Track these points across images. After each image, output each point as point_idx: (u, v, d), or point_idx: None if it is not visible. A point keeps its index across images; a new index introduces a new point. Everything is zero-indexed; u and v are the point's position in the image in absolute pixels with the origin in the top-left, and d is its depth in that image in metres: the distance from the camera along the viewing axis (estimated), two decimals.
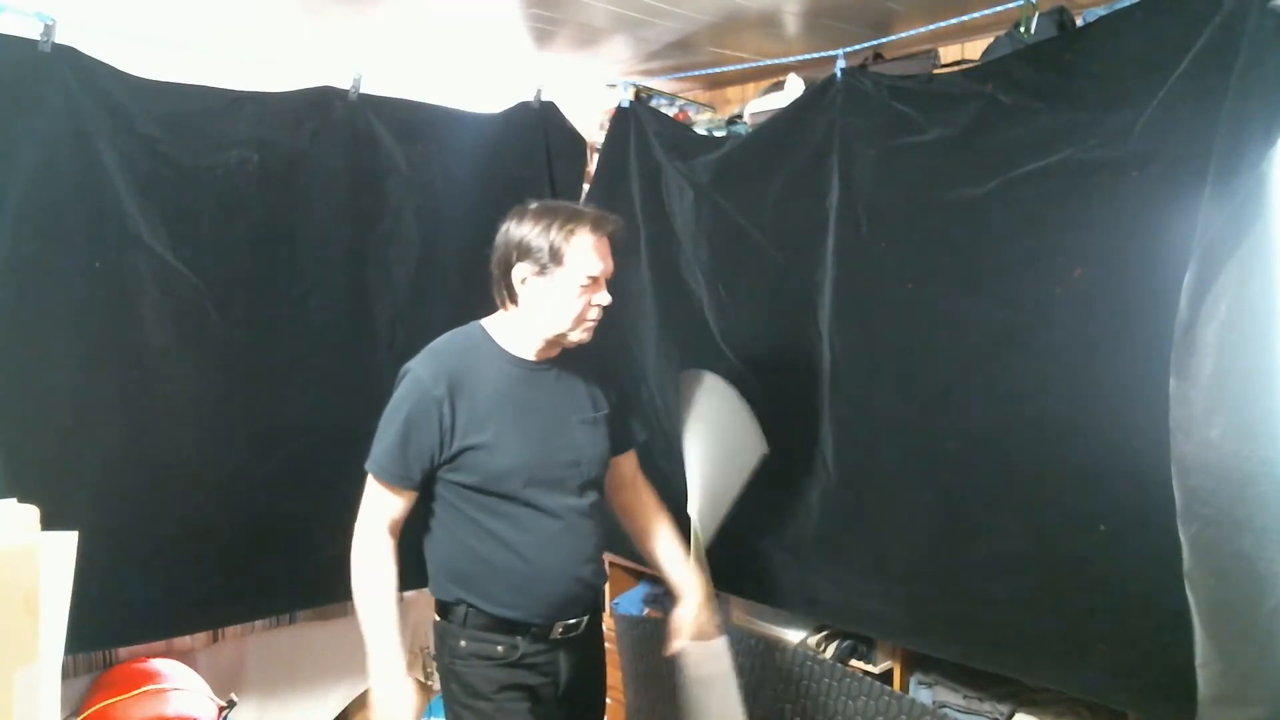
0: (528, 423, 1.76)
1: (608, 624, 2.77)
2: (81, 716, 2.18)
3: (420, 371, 1.74)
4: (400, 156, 2.53)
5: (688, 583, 1.93)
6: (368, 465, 1.75)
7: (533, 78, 2.79)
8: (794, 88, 2.56)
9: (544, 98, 2.81)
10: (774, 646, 2.46)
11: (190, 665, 2.48)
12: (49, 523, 1.11)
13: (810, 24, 2.40)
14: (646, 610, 3.00)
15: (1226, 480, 1.53)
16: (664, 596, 3.00)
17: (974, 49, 2.39)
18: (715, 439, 2.09)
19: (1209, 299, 1.54)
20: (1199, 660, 1.59)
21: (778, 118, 2.45)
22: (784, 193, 2.38)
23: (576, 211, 1.74)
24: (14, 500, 1.10)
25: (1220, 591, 1.56)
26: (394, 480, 1.73)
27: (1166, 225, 1.69)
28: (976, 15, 2.11)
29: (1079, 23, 2.02)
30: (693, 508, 2.04)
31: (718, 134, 2.72)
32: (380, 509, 1.75)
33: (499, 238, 1.75)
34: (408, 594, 2.78)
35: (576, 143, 2.90)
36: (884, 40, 2.32)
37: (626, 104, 2.77)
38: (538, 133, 2.80)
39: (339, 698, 2.87)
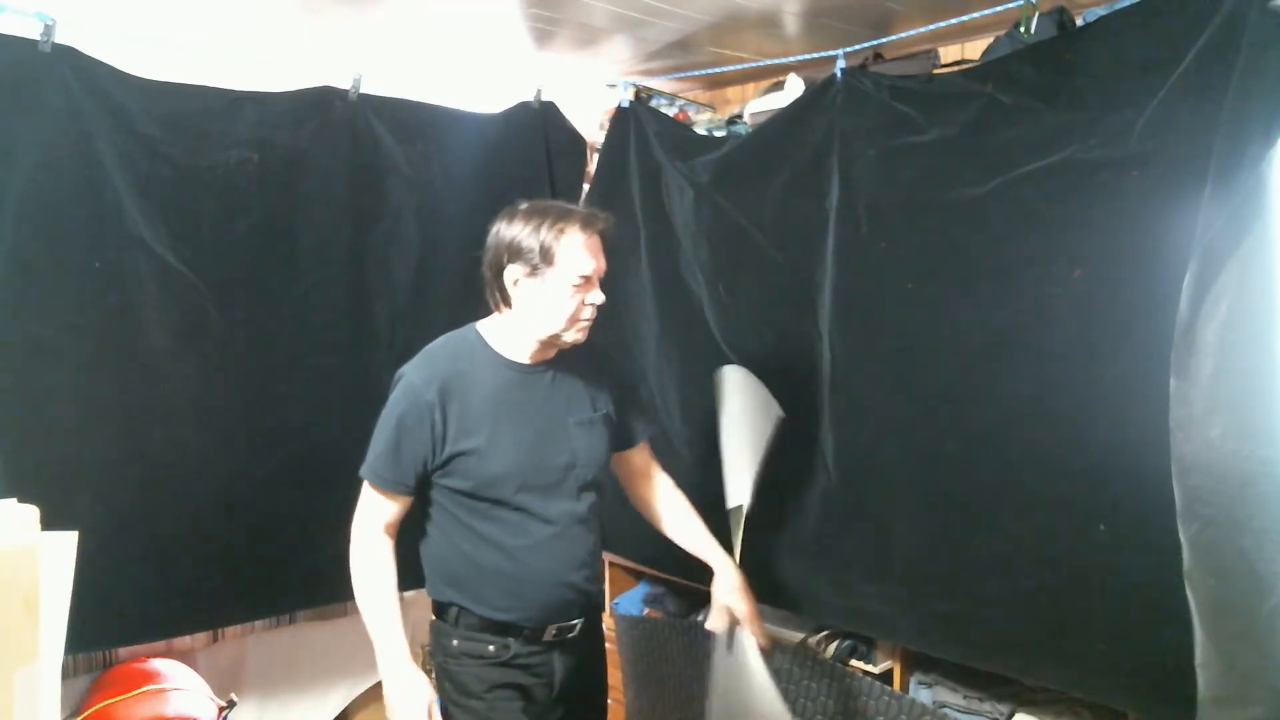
0: (521, 427, 1.75)
1: (607, 624, 2.77)
2: (81, 716, 2.18)
3: (413, 376, 1.73)
4: (400, 156, 2.53)
5: (720, 562, 1.92)
6: (362, 471, 1.75)
7: (533, 78, 2.79)
8: (794, 88, 2.56)
9: (544, 98, 2.81)
10: (774, 646, 2.46)
11: (190, 665, 2.48)
12: (49, 523, 1.12)
13: (810, 24, 2.40)
14: (646, 610, 2.99)
15: (1226, 480, 1.53)
16: (664, 596, 3.01)
17: (974, 49, 2.39)
18: (739, 423, 2.14)
19: (1209, 299, 1.54)
20: (1199, 660, 1.59)
21: (778, 118, 2.44)
22: (784, 193, 2.38)
23: (566, 210, 1.73)
24: (14, 500, 1.10)
25: (1220, 591, 1.56)
26: (388, 486, 1.73)
27: (1166, 225, 1.68)
28: (976, 15, 2.11)
29: (1079, 23, 2.02)
30: (731, 496, 2.06)
31: (718, 134, 2.72)
32: (375, 513, 1.75)
33: (490, 240, 1.75)
34: (406, 594, 2.78)
35: (576, 143, 2.90)
36: (884, 40, 2.32)
37: (626, 104, 2.77)
38: (538, 133, 2.80)
39: (339, 698, 2.87)
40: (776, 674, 2.35)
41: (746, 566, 1.97)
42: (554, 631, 1.78)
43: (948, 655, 2.16)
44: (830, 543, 2.32)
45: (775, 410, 2.13)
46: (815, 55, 2.45)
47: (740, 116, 2.74)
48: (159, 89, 2.16)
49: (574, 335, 1.74)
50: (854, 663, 2.41)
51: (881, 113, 2.15)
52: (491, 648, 1.75)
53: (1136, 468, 1.73)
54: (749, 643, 1.89)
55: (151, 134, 2.13)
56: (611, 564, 3.04)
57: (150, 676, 2.31)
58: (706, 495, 2.10)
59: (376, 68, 2.49)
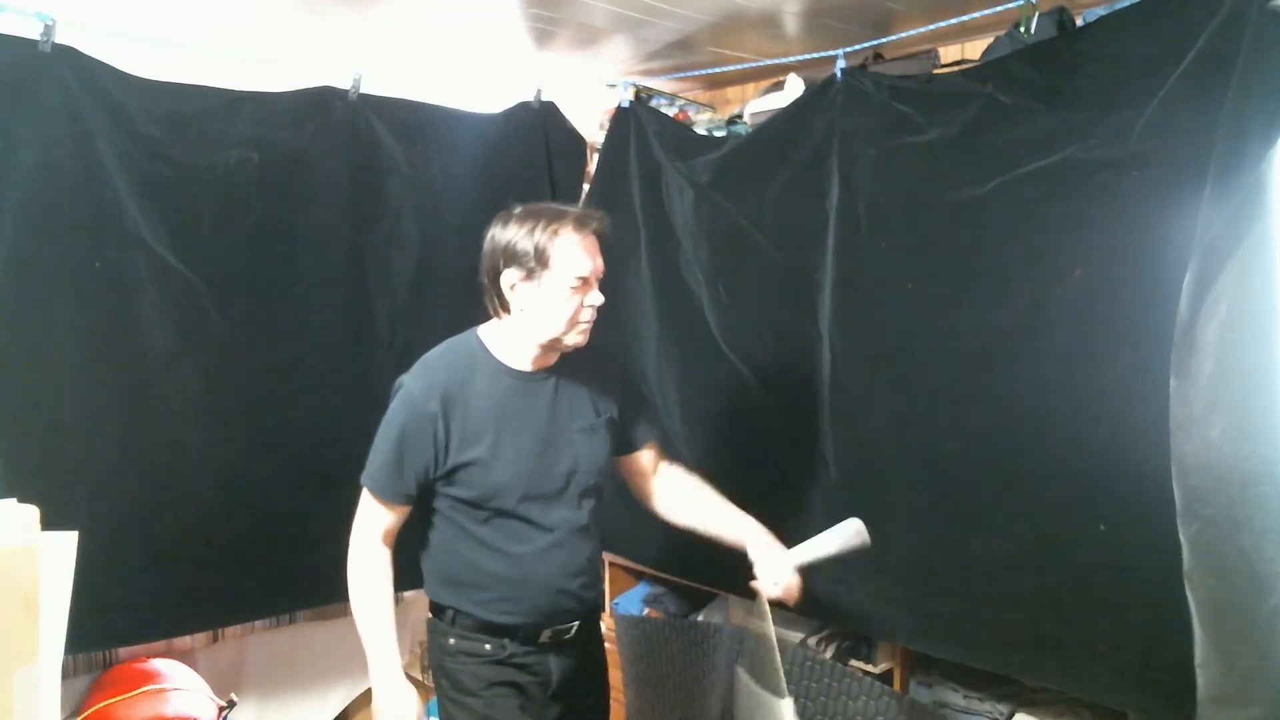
0: (523, 435, 1.73)
1: (608, 624, 2.78)
2: (81, 716, 2.18)
3: (413, 387, 1.72)
4: (400, 156, 2.53)
5: (751, 530, 1.83)
6: (363, 480, 1.75)
7: (533, 78, 2.79)
8: (794, 88, 2.56)
9: (544, 98, 2.81)
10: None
11: (190, 665, 2.48)
12: (49, 523, 1.12)
13: (810, 24, 2.40)
14: (646, 610, 2.99)
15: (1226, 480, 1.53)
16: (664, 596, 3.01)
17: (974, 49, 2.39)
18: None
19: (1209, 299, 1.54)
20: (1199, 660, 1.59)
21: (778, 118, 2.44)
22: (784, 193, 2.38)
23: (560, 211, 1.70)
24: (14, 500, 1.10)
25: (1220, 591, 1.56)
26: (389, 496, 1.73)
27: (1166, 225, 1.68)
28: (976, 15, 2.11)
29: (1079, 23, 2.02)
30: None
31: (718, 134, 2.72)
32: (375, 521, 1.75)
33: (485, 245, 1.73)
34: (406, 594, 2.79)
35: (576, 143, 2.90)
36: (884, 40, 2.32)
37: (626, 104, 2.77)
38: (538, 133, 2.80)
39: (339, 698, 2.87)
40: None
41: (733, 569, 1.86)
42: (549, 634, 1.78)
43: (948, 655, 2.16)
44: None
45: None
46: (815, 55, 2.45)
47: (740, 116, 2.74)
48: (159, 89, 2.16)
49: (574, 338, 1.72)
50: (854, 663, 2.41)
51: (881, 113, 2.15)
52: (488, 646, 1.75)
53: (1136, 468, 1.73)
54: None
55: (151, 134, 2.13)
56: (611, 564, 3.04)
57: (150, 676, 2.31)
58: None
59: (376, 68, 2.49)
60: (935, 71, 2.29)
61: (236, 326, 2.28)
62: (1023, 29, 1.98)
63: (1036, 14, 1.98)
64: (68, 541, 1.22)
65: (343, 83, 2.43)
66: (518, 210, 1.72)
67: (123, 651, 2.42)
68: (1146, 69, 1.73)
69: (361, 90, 2.45)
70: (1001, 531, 1.99)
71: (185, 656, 2.53)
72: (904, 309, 2.13)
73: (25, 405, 1.99)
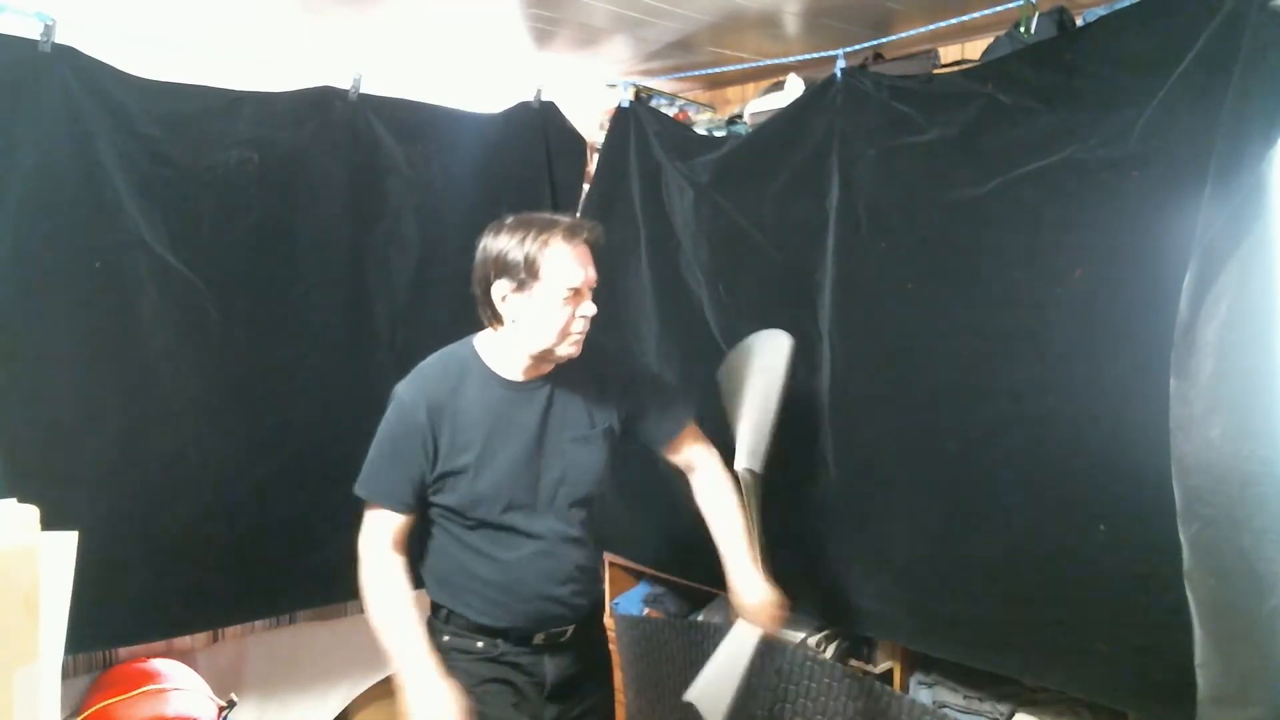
0: (512, 445, 1.73)
1: (608, 624, 2.77)
2: (81, 716, 2.18)
3: (405, 396, 1.73)
4: (400, 156, 2.53)
5: (732, 573, 1.85)
6: (359, 490, 1.75)
7: (533, 78, 2.79)
8: (794, 88, 2.56)
9: (544, 98, 2.81)
10: (773, 646, 2.46)
11: (190, 665, 2.48)
12: (49, 523, 1.12)
13: (810, 24, 2.40)
14: (646, 610, 2.99)
15: (1226, 480, 1.53)
16: (664, 596, 3.01)
17: (974, 49, 2.39)
18: (748, 384, 2.07)
19: (1209, 299, 1.54)
20: (1199, 660, 1.59)
21: (778, 118, 2.45)
22: (784, 193, 2.38)
23: (550, 221, 1.69)
24: (14, 500, 1.10)
25: (1220, 591, 1.56)
26: (386, 503, 1.73)
27: (1166, 225, 1.68)
28: (976, 15, 2.11)
29: (1079, 23, 2.02)
30: (740, 461, 1.97)
31: (718, 134, 2.72)
32: (380, 530, 1.74)
33: (477, 255, 1.72)
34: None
35: (576, 143, 2.90)
36: (884, 40, 2.32)
37: (626, 104, 2.77)
38: (538, 133, 2.80)
39: (339, 698, 2.87)
40: (778, 674, 2.35)
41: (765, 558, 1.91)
42: (542, 637, 1.78)
43: (948, 655, 2.16)
44: (830, 543, 2.32)
45: (783, 348, 2.00)
46: (815, 55, 2.45)
47: (740, 116, 2.74)
48: (159, 89, 2.16)
49: (566, 349, 1.71)
50: (854, 663, 2.41)
51: (881, 113, 2.15)
52: (480, 644, 1.76)
53: (1136, 468, 1.73)
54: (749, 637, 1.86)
55: (151, 134, 2.13)
56: (611, 564, 3.04)
57: (150, 676, 2.31)
58: None
59: (376, 68, 2.49)
60: (935, 71, 2.29)
61: (236, 326, 2.28)
62: (1023, 29, 1.98)
63: (1036, 14, 1.98)
64: (68, 541, 1.22)
65: (343, 83, 2.43)
66: (509, 220, 1.71)
67: (123, 651, 2.41)
68: (1146, 69, 1.73)
69: (361, 90, 2.45)
70: (1001, 531, 1.99)
71: (185, 656, 2.52)
72: (904, 309, 2.13)
73: (25, 405, 1.99)
